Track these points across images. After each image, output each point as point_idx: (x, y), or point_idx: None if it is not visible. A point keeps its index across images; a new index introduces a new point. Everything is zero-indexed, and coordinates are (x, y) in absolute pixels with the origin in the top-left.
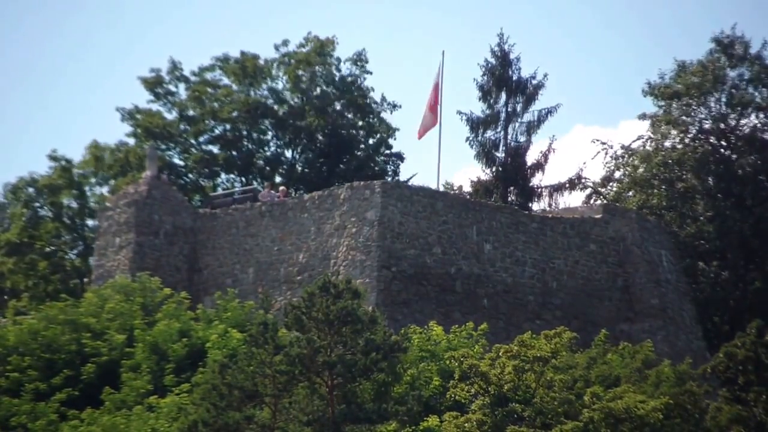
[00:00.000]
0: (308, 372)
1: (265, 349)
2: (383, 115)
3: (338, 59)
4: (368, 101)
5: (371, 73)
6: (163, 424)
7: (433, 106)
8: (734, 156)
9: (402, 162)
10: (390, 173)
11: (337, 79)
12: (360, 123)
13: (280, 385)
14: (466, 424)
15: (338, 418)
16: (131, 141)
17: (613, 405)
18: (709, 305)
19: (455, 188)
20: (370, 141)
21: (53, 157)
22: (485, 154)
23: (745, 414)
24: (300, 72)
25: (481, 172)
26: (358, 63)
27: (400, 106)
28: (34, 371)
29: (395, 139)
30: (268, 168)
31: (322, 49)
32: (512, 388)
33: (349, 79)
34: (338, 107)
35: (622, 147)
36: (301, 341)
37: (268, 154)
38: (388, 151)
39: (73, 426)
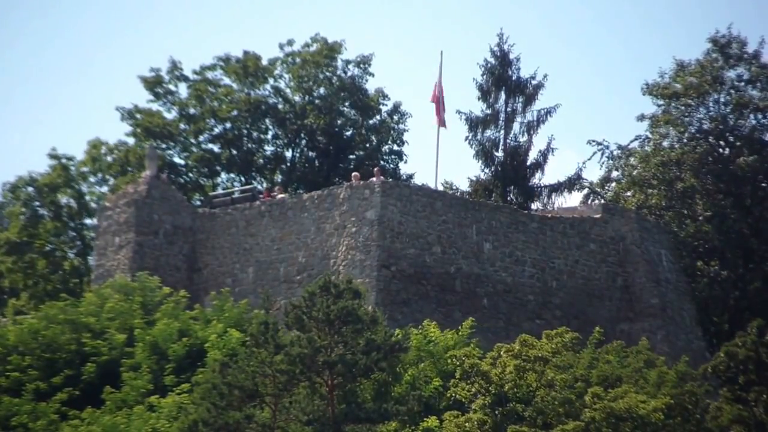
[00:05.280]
0: (309, 372)
1: (265, 348)
2: (386, 115)
3: (346, 61)
4: (372, 103)
5: (373, 75)
6: (164, 423)
7: (438, 111)
8: (733, 156)
9: (402, 161)
10: (390, 171)
11: (338, 78)
12: (360, 121)
13: (280, 385)
14: (466, 424)
15: (338, 417)
16: (131, 141)
17: (615, 405)
18: (709, 305)
19: (448, 184)
20: (373, 140)
21: (53, 156)
22: (484, 154)
23: (746, 414)
24: (304, 71)
25: (479, 171)
26: (362, 65)
27: (410, 115)
28: (34, 371)
29: (403, 143)
30: (268, 167)
31: (330, 52)
32: (513, 388)
33: (352, 80)
34: (340, 107)
35: (619, 147)
36: (302, 341)
37: (269, 153)
38: (387, 147)
39: (73, 426)
